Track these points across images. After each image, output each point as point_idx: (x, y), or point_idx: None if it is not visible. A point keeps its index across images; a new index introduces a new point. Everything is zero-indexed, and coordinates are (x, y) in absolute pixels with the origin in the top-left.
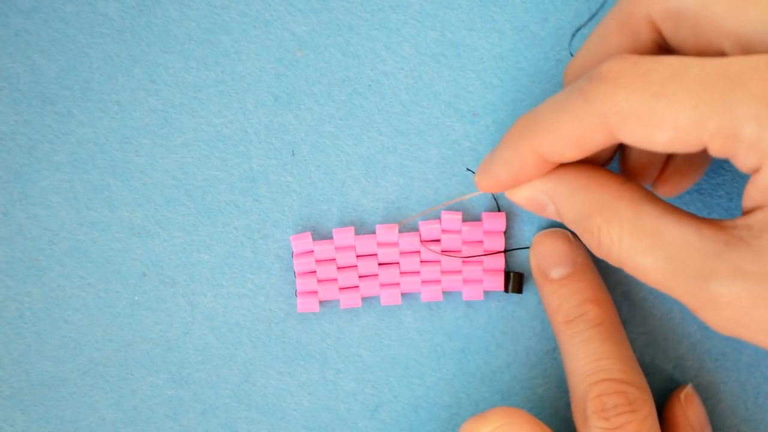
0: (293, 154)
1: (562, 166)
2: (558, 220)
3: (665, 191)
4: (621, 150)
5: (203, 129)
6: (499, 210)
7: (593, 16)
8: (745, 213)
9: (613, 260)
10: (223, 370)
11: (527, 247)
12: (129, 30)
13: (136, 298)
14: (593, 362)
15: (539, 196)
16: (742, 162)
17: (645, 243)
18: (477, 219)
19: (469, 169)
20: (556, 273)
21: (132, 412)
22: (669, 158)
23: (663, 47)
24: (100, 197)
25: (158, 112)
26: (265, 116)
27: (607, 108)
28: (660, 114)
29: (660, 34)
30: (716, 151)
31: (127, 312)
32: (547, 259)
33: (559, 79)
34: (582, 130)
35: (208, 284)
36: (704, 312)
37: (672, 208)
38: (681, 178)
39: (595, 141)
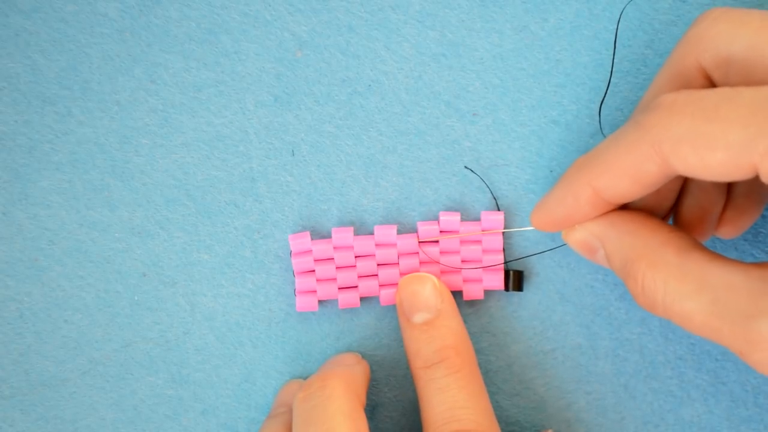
0: (293, 154)
1: (616, 210)
2: (607, 266)
3: (727, 232)
4: (678, 201)
5: (203, 129)
6: (498, 209)
7: (608, 87)
8: None
9: (657, 308)
10: (223, 370)
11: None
12: (129, 30)
13: (136, 298)
14: (448, 411)
15: (590, 239)
16: None
17: (690, 286)
18: (476, 218)
19: (467, 167)
20: (418, 318)
21: (132, 412)
22: (727, 200)
23: None
24: (100, 197)
25: (158, 112)
26: (265, 116)
27: (660, 134)
28: (711, 135)
29: (711, 81)
30: (767, 173)
31: (127, 312)
32: (410, 302)
33: (560, 79)
34: (636, 160)
35: (208, 284)
36: (753, 354)
37: (717, 254)
38: (740, 216)
39: (650, 172)
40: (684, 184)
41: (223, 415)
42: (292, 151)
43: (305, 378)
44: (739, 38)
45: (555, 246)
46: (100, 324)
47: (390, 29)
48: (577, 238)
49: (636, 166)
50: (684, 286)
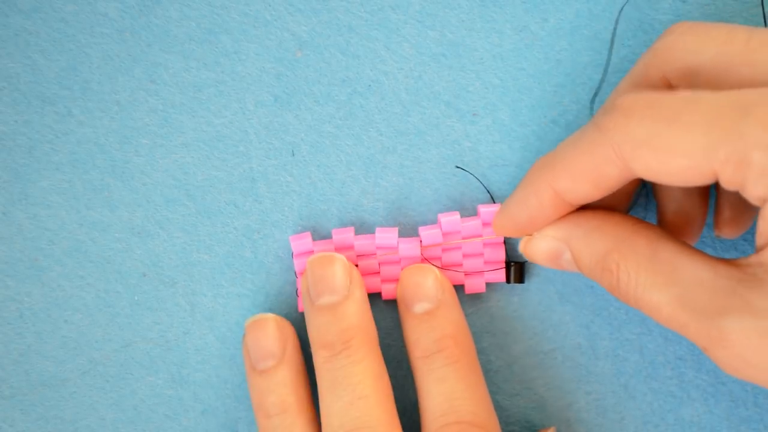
0: (293, 154)
1: (577, 211)
2: (573, 269)
3: (727, 232)
4: (661, 206)
5: (203, 129)
6: (494, 202)
7: (601, 82)
8: (759, 250)
9: (630, 299)
10: (223, 370)
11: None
12: (129, 30)
13: (136, 298)
14: (446, 402)
15: (553, 243)
16: (752, 191)
17: (660, 279)
18: (473, 214)
19: (458, 167)
20: (419, 308)
21: (132, 412)
22: (724, 200)
23: None
24: (100, 197)
25: (158, 112)
26: (265, 116)
27: (620, 137)
28: (672, 141)
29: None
30: (727, 180)
31: (127, 312)
32: (412, 293)
33: (559, 79)
34: (596, 162)
35: (208, 284)
36: (714, 350)
37: (688, 247)
38: (739, 215)
39: (610, 175)
40: (665, 190)
41: (223, 415)
42: (292, 151)
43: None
44: (706, 51)
45: None
46: (100, 324)
47: (390, 29)
48: (539, 246)
49: (596, 168)
50: (654, 277)
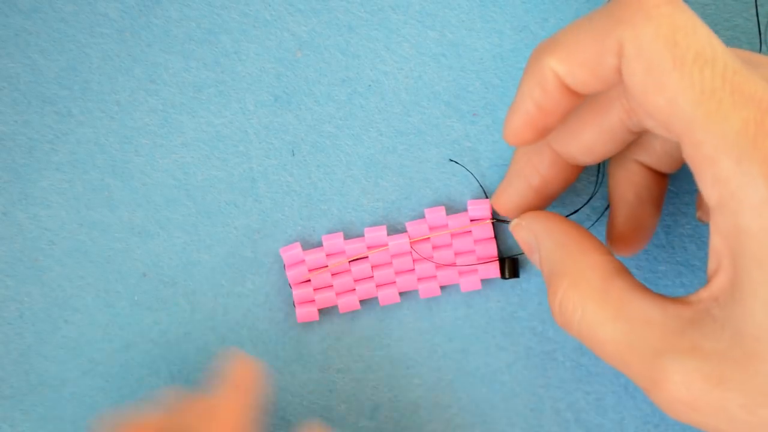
0: (293, 154)
1: (557, 216)
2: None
3: (621, 249)
4: (611, 214)
5: (203, 129)
6: (486, 196)
7: None
8: (710, 278)
9: (572, 329)
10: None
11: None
12: (129, 30)
13: (136, 298)
14: None
15: (530, 239)
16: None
17: (607, 313)
18: (464, 209)
19: (452, 160)
20: None
21: None
22: (619, 213)
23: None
24: (100, 197)
25: (158, 112)
26: (265, 116)
27: (627, 34)
28: (667, 82)
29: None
30: (691, 154)
31: (127, 312)
32: None
33: None
34: (600, 50)
35: (208, 284)
36: (656, 392)
37: (641, 286)
38: (636, 231)
39: (607, 67)
40: (620, 193)
41: None
42: (292, 151)
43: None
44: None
45: None
46: (100, 324)
47: (390, 29)
48: (522, 235)
49: (599, 56)
50: (602, 312)
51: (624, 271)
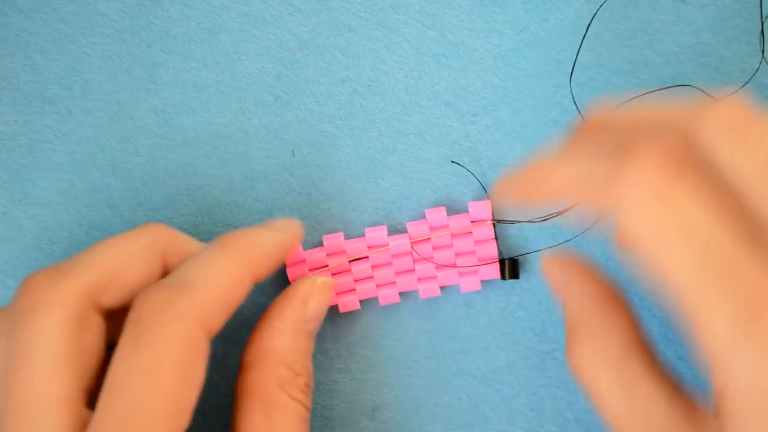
0: (293, 154)
1: (589, 271)
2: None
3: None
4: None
5: (203, 129)
6: (487, 197)
7: (573, 66)
8: (716, 410)
9: (581, 383)
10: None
11: (523, 221)
12: (129, 30)
13: None
14: None
15: (560, 279)
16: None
17: (617, 389)
18: (464, 208)
19: (454, 161)
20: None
21: None
22: None
23: None
24: (100, 197)
25: (158, 112)
26: (265, 116)
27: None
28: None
29: None
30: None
31: None
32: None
33: (560, 79)
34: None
35: None
36: None
37: (657, 367)
38: None
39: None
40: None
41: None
42: (292, 151)
43: None
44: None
45: (554, 244)
46: None
47: (390, 29)
48: (552, 272)
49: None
50: (613, 385)
51: (643, 347)
